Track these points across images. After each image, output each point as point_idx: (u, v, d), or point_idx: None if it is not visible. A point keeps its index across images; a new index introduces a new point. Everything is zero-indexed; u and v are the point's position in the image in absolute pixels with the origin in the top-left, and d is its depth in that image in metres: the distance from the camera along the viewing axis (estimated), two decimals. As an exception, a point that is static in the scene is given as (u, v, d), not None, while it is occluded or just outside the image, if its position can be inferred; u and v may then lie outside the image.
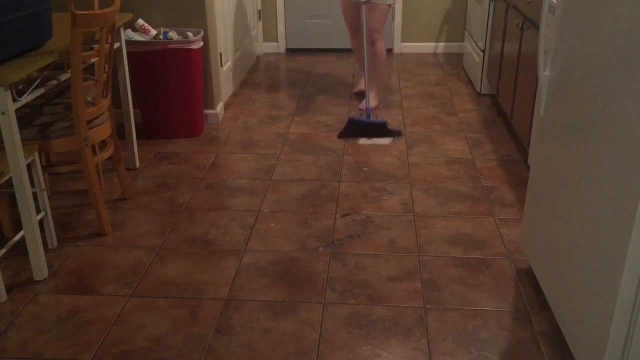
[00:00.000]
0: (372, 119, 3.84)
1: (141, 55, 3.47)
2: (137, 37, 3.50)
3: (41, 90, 2.40)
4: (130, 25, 3.53)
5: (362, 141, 3.61)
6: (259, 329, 2.11)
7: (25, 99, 2.28)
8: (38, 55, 2.31)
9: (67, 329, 2.11)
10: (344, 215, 2.83)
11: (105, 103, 2.69)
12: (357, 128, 3.74)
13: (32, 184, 2.38)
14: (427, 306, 2.22)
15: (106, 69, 2.63)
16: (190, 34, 3.59)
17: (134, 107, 3.26)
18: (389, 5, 3.96)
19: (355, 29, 4.15)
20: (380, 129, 3.72)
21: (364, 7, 3.86)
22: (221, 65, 4.08)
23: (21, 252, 2.45)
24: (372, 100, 4.12)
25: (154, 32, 3.53)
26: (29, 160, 2.32)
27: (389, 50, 5.64)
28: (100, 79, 2.60)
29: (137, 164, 3.33)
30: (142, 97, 3.63)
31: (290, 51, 5.74)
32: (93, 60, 2.77)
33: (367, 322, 2.14)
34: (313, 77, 4.96)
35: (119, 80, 3.13)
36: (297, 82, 4.84)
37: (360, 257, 2.51)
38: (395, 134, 3.73)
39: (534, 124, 2.36)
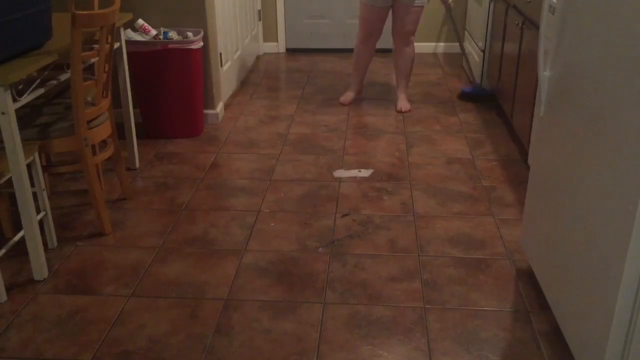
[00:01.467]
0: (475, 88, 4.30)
1: (141, 55, 3.47)
2: (137, 37, 3.50)
3: (41, 90, 2.40)
4: (130, 25, 3.53)
5: (338, 173, 3.25)
6: (259, 329, 2.11)
7: (25, 99, 2.28)
8: (38, 55, 2.31)
9: (67, 329, 2.11)
10: (344, 215, 2.83)
11: (105, 103, 2.69)
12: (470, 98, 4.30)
13: (32, 184, 2.38)
14: (427, 306, 2.22)
15: (106, 69, 2.63)
16: (190, 34, 3.59)
17: (134, 107, 3.27)
18: (423, 6, 3.97)
19: (370, 34, 4.11)
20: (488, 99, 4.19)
21: (399, 10, 3.91)
22: (221, 65, 4.08)
23: (21, 252, 2.44)
24: (406, 103, 4.18)
25: (154, 32, 3.53)
26: (29, 160, 2.32)
27: (389, 50, 5.63)
28: (100, 79, 2.60)
29: (137, 164, 3.33)
30: (142, 97, 3.63)
31: (290, 51, 5.75)
32: (93, 60, 2.77)
33: (367, 322, 2.14)
34: (313, 77, 4.96)
35: (119, 80, 3.13)
36: (297, 82, 4.84)
37: (360, 257, 2.51)
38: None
39: (534, 124, 2.36)
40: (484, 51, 4.33)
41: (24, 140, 2.31)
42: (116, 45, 2.98)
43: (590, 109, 1.75)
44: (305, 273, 2.42)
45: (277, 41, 5.72)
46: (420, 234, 2.67)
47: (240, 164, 3.38)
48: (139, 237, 2.67)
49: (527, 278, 2.36)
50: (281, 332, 2.09)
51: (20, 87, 2.29)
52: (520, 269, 2.42)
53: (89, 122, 2.56)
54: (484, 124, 3.91)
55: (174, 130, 3.69)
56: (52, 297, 2.28)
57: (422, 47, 5.65)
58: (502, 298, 2.26)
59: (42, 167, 2.53)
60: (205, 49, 3.70)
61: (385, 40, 5.60)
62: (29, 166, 2.34)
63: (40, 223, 2.44)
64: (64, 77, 2.54)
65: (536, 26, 3.03)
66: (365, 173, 3.24)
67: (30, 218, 2.31)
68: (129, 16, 3.09)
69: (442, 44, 5.65)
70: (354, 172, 3.26)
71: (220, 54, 4.04)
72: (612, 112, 1.60)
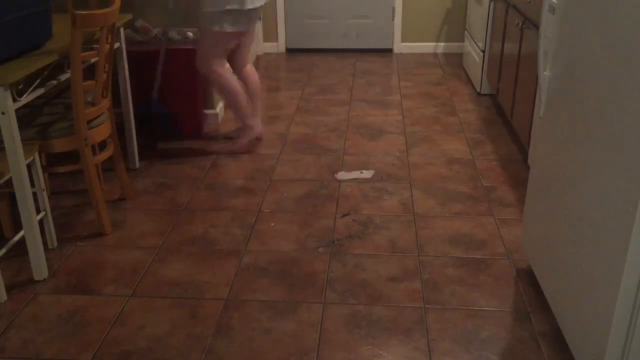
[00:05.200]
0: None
1: (141, 55, 3.47)
2: (137, 37, 3.50)
3: (41, 90, 2.40)
4: (131, 25, 3.53)
5: (341, 175, 3.19)
6: (259, 329, 2.11)
7: (25, 99, 2.28)
8: (38, 55, 2.31)
9: (67, 329, 2.11)
10: (344, 215, 2.83)
11: (105, 103, 2.69)
12: None
13: (32, 184, 2.38)
14: (427, 306, 2.22)
15: (106, 69, 2.63)
16: (190, 34, 3.59)
17: (134, 107, 3.26)
18: (215, 31, 3.12)
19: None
20: None
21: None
22: (221, 65, 4.08)
23: (21, 252, 2.45)
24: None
25: (154, 32, 3.53)
26: (29, 160, 2.32)
27: (389, 50, 5.65)
28: (100, 79, 2.60)
29: (137, 164, 3.33)
30: (143, 97, 3.62)
31: (290, 51, 5.75)
32: (93, 60, 2.77)
33: (367, 322, 2.14)
34: (313, 77, 4.96)
35: (119, 80, 3.13)
36: (297, 82, 4.84)
37: (360, 257, 2.51)
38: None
39: (534, 124, 2.36)
40: (483, 51, 4.33)
41: (24, 140, 2.31)
42: (116, 45, 2.98)
43: (590, 108, 1.75)
44: (305, 273, 2.42)
45: (277, 41, 5.72)
46: (420, 234, 2.67)
47: (240, 164, 3.38)
48: (139, 237, 2.67)
49: (527, 278, 2.36)
50: (281, 332, 2.09)
51: (20, 87, 2.29)
52: (520, 269, 2.42)
53: (89, 122, 2.56)
54: (484, 124, 3.91)
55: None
56: (52, 297, 2.28)
57: (422, 47, 5.66)
58: (502, 298, 2.26)
59: (42, 167, 2.53)
60: (205, 49, 3.69)
61: (383, 39, 5.62)
62: (29, 166, 2.34)
63: (40, 223, 2.44)
64: (64, 77, 2.54)
65: (536, 26, 3.03)
66: (367, 174, 3.24)
67: (30, 218, 2.31)
68: (129, 16, 3.08)
69: (442, 44, 5.65)
70: (356, 174, 3.26)
71: (220, 54, 4.04)
72: (612, 112, 1.60)
